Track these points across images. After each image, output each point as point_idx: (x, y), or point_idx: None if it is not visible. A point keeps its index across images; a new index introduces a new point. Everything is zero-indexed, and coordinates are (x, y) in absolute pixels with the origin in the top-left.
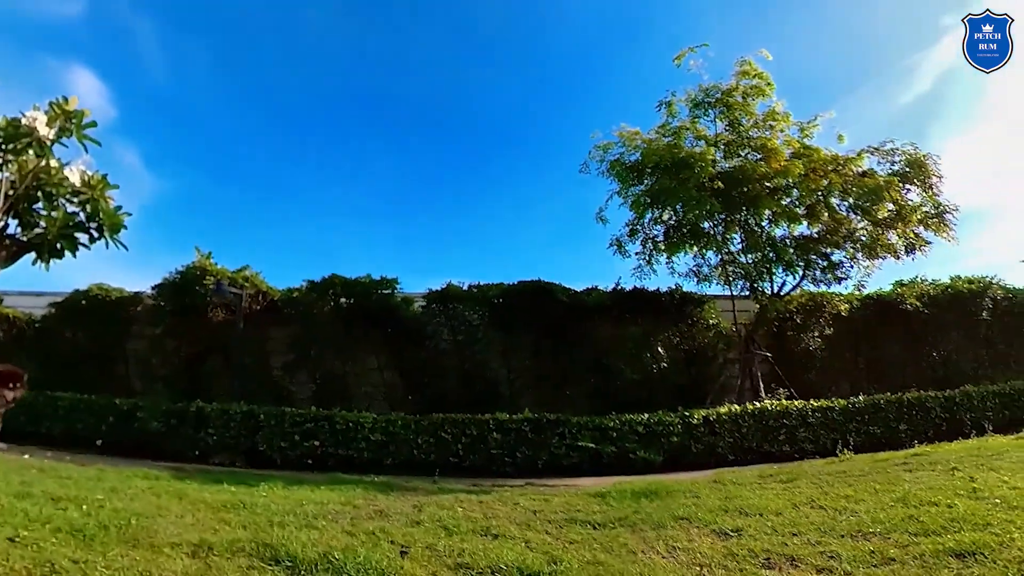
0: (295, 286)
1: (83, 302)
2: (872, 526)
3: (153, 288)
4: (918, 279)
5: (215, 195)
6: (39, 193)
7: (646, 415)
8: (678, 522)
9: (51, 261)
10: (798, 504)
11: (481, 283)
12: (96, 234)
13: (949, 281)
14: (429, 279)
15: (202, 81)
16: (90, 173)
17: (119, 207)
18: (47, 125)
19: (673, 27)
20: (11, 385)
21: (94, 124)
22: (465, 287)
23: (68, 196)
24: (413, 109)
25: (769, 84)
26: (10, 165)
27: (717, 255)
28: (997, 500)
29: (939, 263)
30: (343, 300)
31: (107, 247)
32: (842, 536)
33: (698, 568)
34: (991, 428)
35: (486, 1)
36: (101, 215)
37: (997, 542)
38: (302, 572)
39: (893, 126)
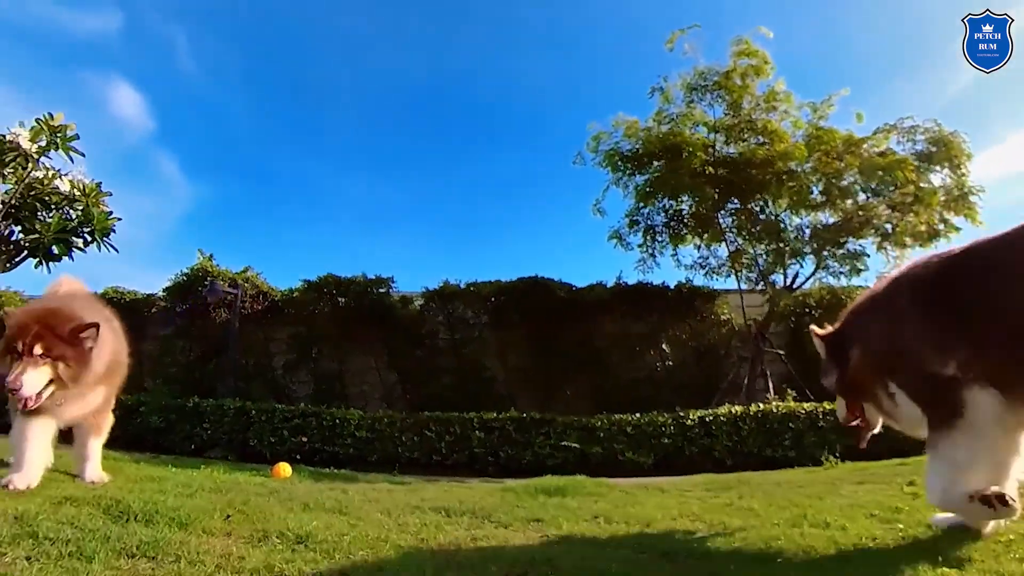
0: (296, 286)
1: None
2: None
3: (163, 291)
4: None
5: (246, 198)
6: (37, 203)
7: (638, 415)
8: None
9: (51, 264)
10: None
11: (478, 280)
12: (88, 238)
13: None
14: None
15: (235, 86)
16: (86, 182)
17: (110, 212)
18: (31, 140)
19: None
20: None
21: (76, 137)
22: (462, 285)
23: (66, 204)
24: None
25: (766, 62)
26: (7, 177)
27: (725, 246)
28: None
29: None
30: (340, 299)
31: (99, 250)
32: None
33: None
34: None
35: None
36: (93, 220)
37: None
38: None
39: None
